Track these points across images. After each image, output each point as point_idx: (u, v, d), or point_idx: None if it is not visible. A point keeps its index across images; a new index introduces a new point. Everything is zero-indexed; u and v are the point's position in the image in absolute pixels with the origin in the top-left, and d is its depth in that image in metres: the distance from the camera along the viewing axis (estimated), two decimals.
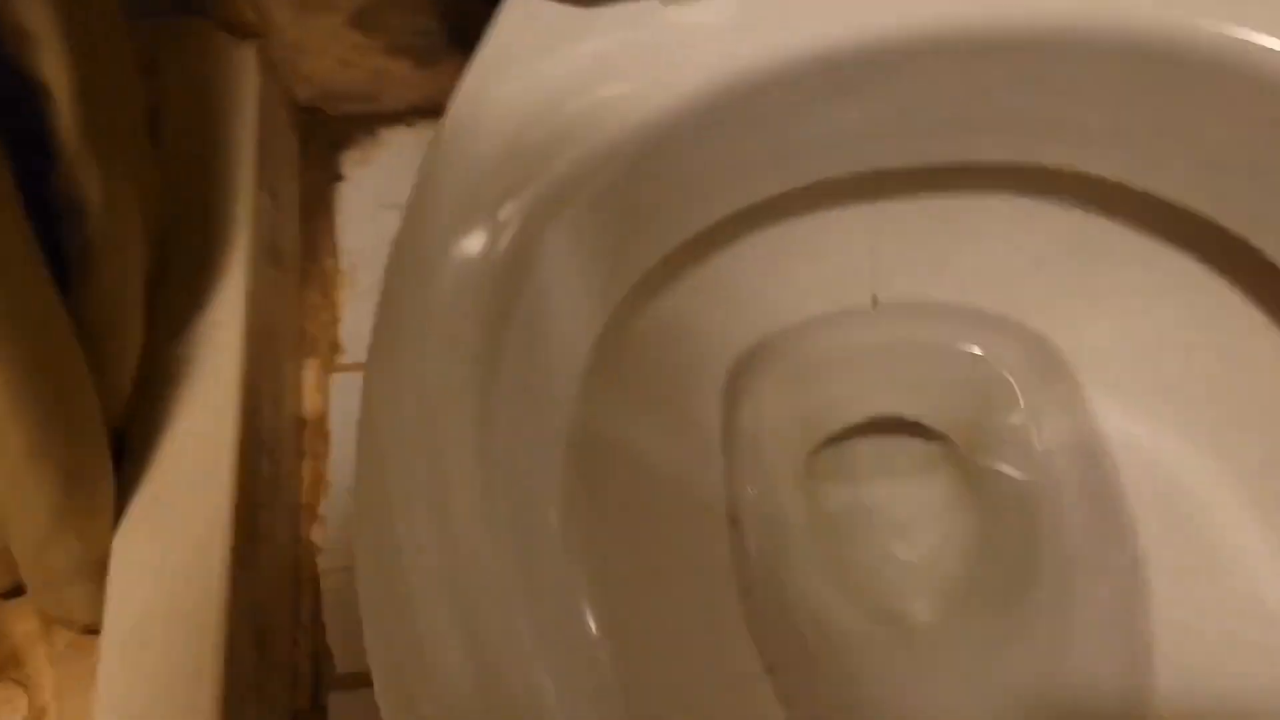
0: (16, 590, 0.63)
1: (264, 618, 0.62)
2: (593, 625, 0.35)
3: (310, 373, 0.75)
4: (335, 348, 0.75)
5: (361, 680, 0.65)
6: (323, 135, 0.81)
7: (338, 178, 0.77)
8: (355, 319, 0.75)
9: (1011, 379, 0.47)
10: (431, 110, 0.79)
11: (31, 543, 0.54)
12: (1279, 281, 0.38)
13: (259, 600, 0.62)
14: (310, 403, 0.74)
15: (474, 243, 0.34)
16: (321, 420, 0.73)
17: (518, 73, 0.35)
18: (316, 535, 0.70)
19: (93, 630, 0.58)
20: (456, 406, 0.32)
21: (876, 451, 0.50)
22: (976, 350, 0.47)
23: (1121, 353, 0.44)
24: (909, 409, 0.49)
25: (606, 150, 0.34)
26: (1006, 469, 0.47)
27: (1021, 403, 0.47)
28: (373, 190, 0.76)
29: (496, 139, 0.34)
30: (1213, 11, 0.33)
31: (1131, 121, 0.38)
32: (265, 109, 0.72)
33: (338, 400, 0.73)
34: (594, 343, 0.38)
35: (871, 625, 0.45)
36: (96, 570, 0.57)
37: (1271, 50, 0.33)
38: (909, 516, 0.50)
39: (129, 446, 0.59)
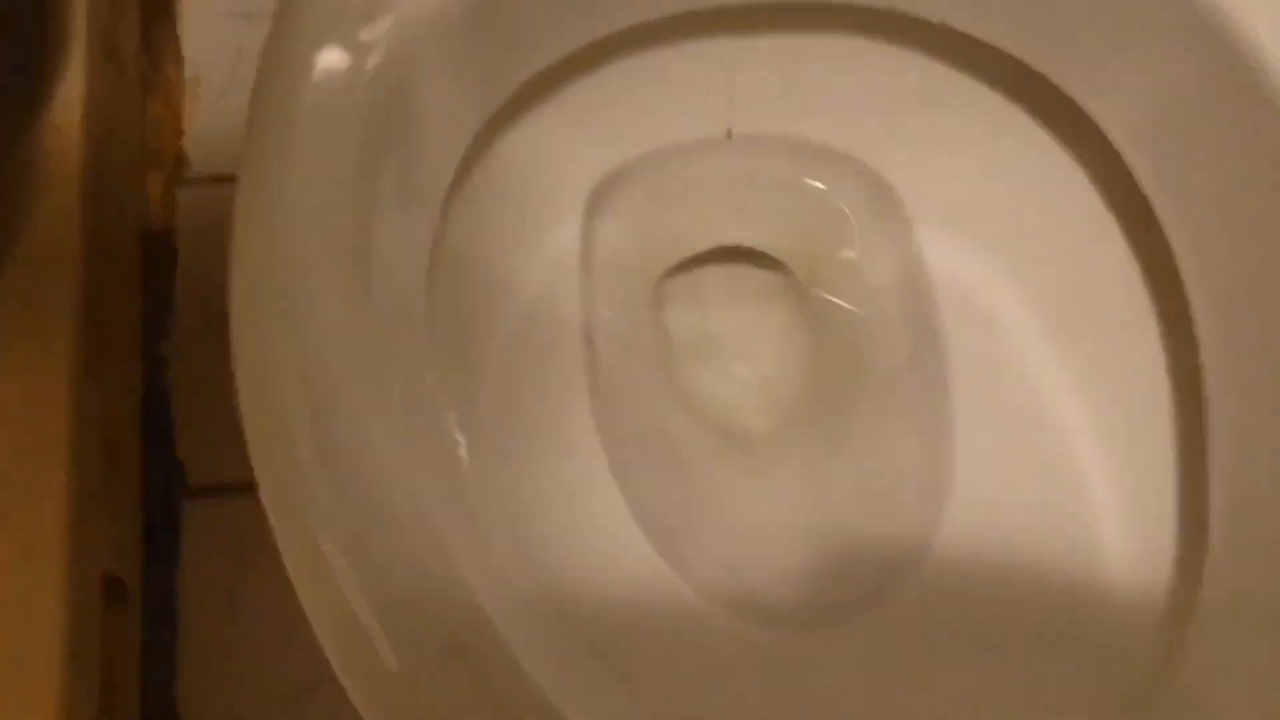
0: None
1: (113, 431, 0.62)
2: (455, 430, 0.37)
3: (155, 186, 0.73)
4: (181, 161, 0.72)
5: (214, 491, 0.66)
6: None
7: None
8: (202, 131, 0.73)
9: (850, 214, 0.50)
10: None
11: None
12: (1087, 130, 0.41)
13: (108, 414, 0.61)
14: (155, 216, 0.72)
15: (343, 58, 0.34)
16: (168, 233, 0.71)
17: None
18: (165, 350, 0.69)
19: None
20: (329, 233, 0.33)
21: (723, 279, 0.53)
22: (820, 185, 0.50)
23: (950, 193, 0.48)
24: (754, 239, 0.52)
25: None
26: (840, 299, 0.51)
27: (857, 237, 0.50)
28: None
29: None
30: None
31: None
32: None
33: (184, 213, 0.71)
34: (458, 164, 0.39)
35: (710, 434, 0.49)
36: None
37: None
38: (750, 340, 0.53)
39: None
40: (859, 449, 0.48)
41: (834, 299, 0.51)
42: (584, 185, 0.48)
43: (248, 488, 0.64)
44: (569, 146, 0.47)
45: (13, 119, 0.55)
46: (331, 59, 0.35)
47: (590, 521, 0.43)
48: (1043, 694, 0.40)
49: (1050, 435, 0.44)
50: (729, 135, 0.49)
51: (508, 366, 0.44)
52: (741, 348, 0.53)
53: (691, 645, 0.42)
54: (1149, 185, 0.40)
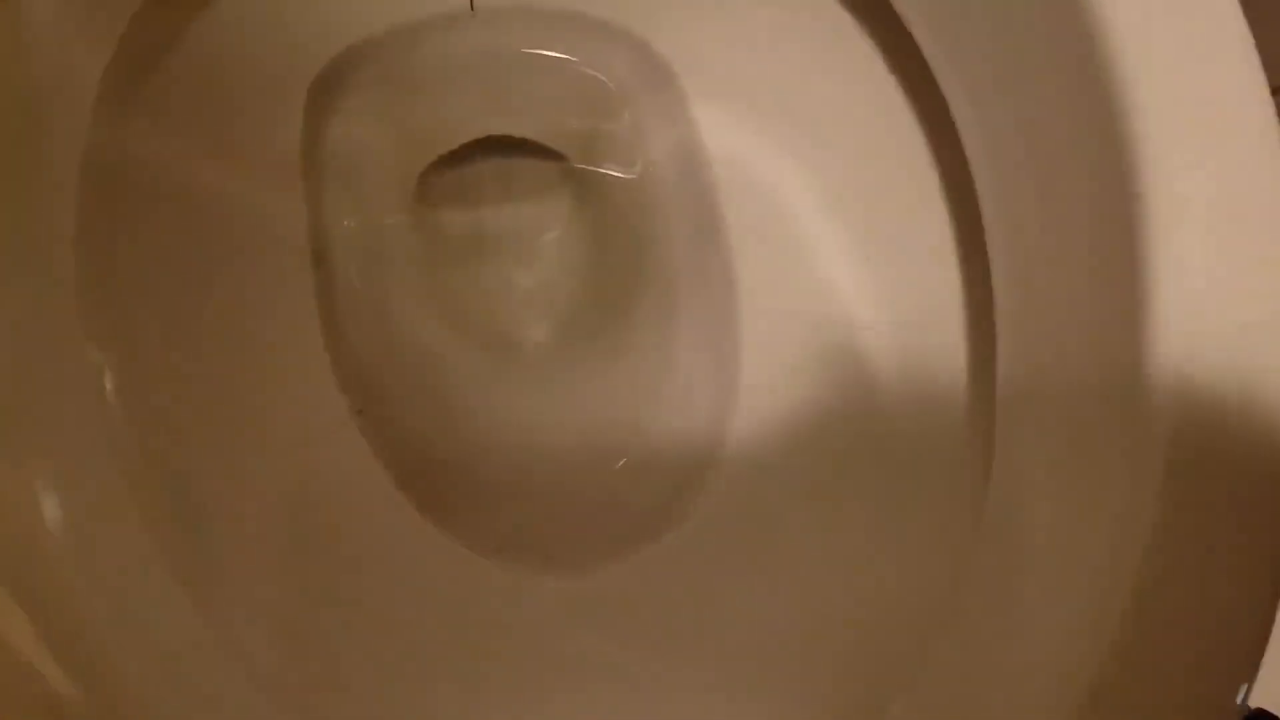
0: None
1: None
2: (110, 386, 0.31)
3: None
4: None
5: None
6: None
7: None
8: None
9: (617, 90, 0.44)
10: None
11: None
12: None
13: None
14: None
15: None
16: None
17: None
18: None
19: None
20: None
21: (494, 173, 0.47)
22: (579, 60, 0.44)
23: (722, 61, 0.42)
24: (518, 127, 0.46)
25: None
26: (616, 181, 0.45)
27: (627, 114, 0.45)
28: None
29: None
30: None
31: None
32: None
33: None
34: (110, 61, 0.32)
35: (481, 353, 0.44)
36: None
37: None
38: (527, 241, 0.48)
39: None
40: (643, 355, 0.43)
41: (611, 180, 0.45)
42: (304, 75, 0.41)
43: None
44: (280, 30, 0.40)
45: None
46: None
47: (330, 471, 0.38)
48: (879, 532, 0.37)
49: (833, 314, 0.40)
50: (472, 7, 0.43)
51: (207, 299, 0.37)
52: (518, 249, 0.48)
53: (453, 598, 0.37)
54: (924, 41, 0.35)
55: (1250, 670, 0.26)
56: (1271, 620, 0.26)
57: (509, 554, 0.38)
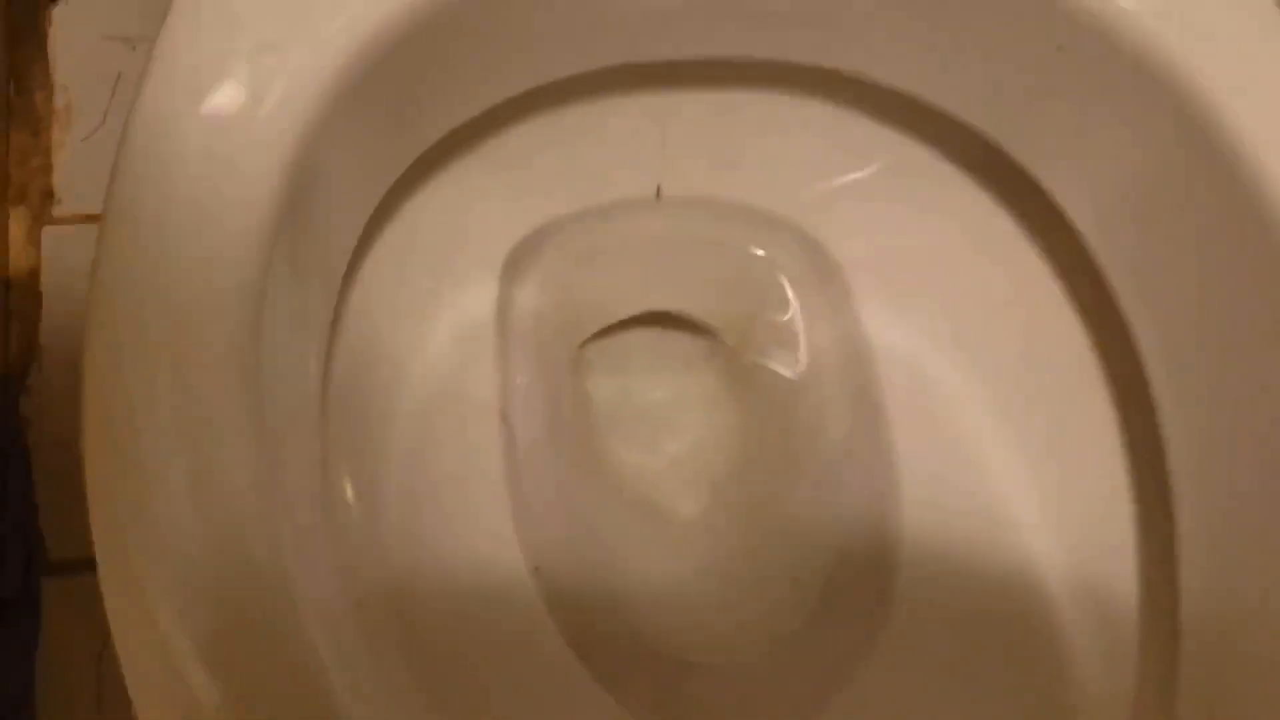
0: None
1: None
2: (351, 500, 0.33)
3: (18, 224, 0.67)
4: (49, 197, 0.66)
5: (77, 566, 0.60)
6: None
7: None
8: (72, 165, 0.67)
9: (785, 280, 0.47)
10: None
11: None
12: (1040, 203, 0.39)
13: None
14: (18, 258, 0.66)
15: (234, 102, 0.30)
16: (32, 278, 0.65)
17: None
18: (26, 408, 0.63)
19: None
20: (210, 310, 0.28)
21: (649, 345, 0.50)
22: (754, 249, 0.47)
23: (889, 262, 0.45)
24: (683, 305, 0.48)
25: (383, 15, 0.31)
26: (775, 367, 0.47)
27: (793, 304, 0.47)
28: (94, 17, 0.67)
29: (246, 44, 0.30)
30: None
31: (923, 35, 0.37)
32: None
33: (52, 256, 0.65)
34: (360, 235, 0.35)
35: (635, 519, 0.45)
36: None
37: None
38: (676, 411, 0.50)
39: None
40: (797, 535, 0.44)
41: (769, 365, 0.47)
42: (500, 248, 0.44)
43: None
44: (486, 207, 0.43)
45: None
46: (220, 103, 0.30)
47: (508, 623, 0.39)
48: None
49: (1000, 524, 0.42)
50: (658, 195, 0.46)
51: (411, 448, 0.39)
52: (668, 419, 0.50)
53: None
54: (1108, 264, 0.38)
55: None
56: None
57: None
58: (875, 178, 0.45)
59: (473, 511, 0.40)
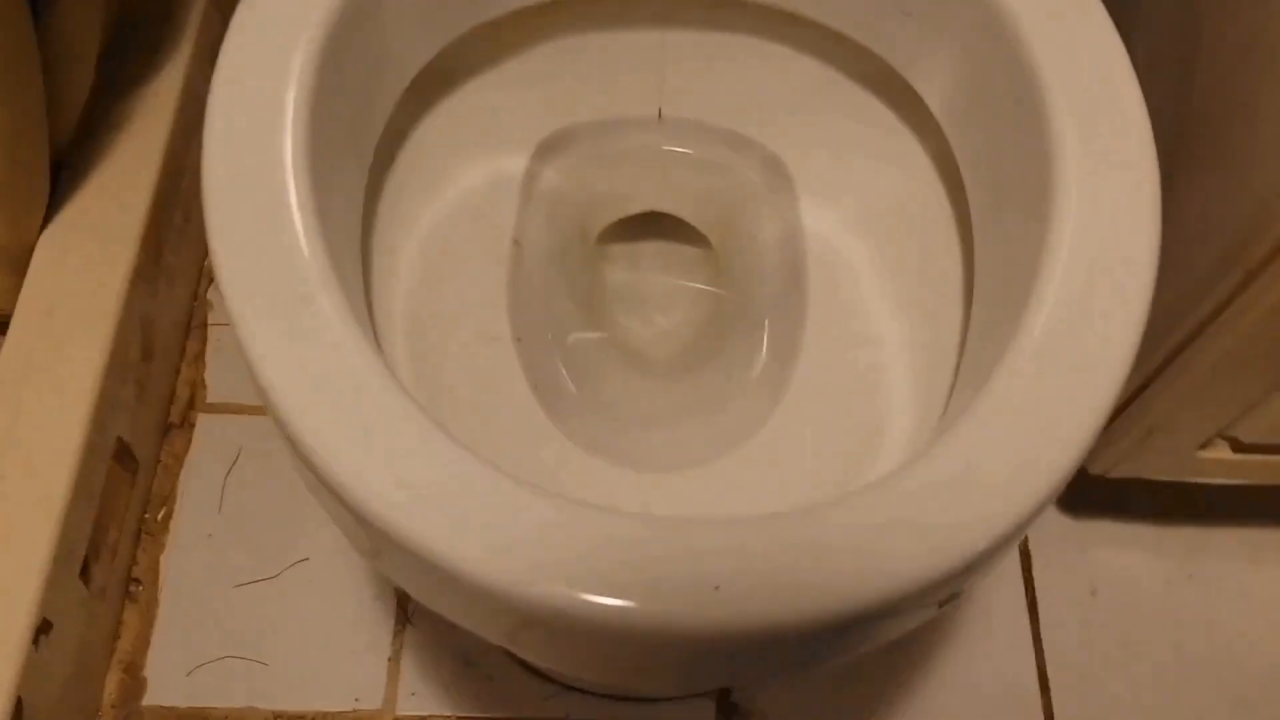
0: None
1: (153, 335, 0.75)
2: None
3: None
4: None
5: (225, 409, 0.78)
6: None
7: None
8: None
9: (751, 190, 0.61)
10: None
11: None
12: (922, 112, 0.53)
13: (151, 318, 0.74)
14: None
15: None
16: None
17: None
18: (214, 297, 0.82)
19: (3, 322, 0.70)
20: (288, 116, 0.43)
21: (652, 239, 0.65)
22: (731, 165, 0.62)
23: (824, 169, 0.59)
24: (677, 208, 0.63)
25: None
26: (739, 257, 0.61)
27: (755, 208, 0.61)
28: None
29: None
30: None
31: None
32: None
33: None
34: (417, 73, 0.52)
35: (614, 346, 0.59)
36: (19, 262, 0.70)
37: None
38: (670, 297, 0.64)
39: (67, 173, 0.72)
40: (727, 362, 0.57)
41: (735, 255, 0.61)
42: (531, 137, 0.60)
43: (255, 411, 0.75)
44: (524, 101, 0.59)
45: None
46: None
47: (487, 359, 0.53)
48: None
49: (868, 347, 0.54)
50: (660, 115, 0.62)
51: (435, 232, 0.55)
52: (663, 304, 0.64)
53: (556, 464, 0.51)
54: (953, 146, 0.51)
55: None
56: None
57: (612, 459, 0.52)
58: (815, 103, 0.59)
59: (478, 288, 0.55)
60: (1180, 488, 0.68)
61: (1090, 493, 0.73)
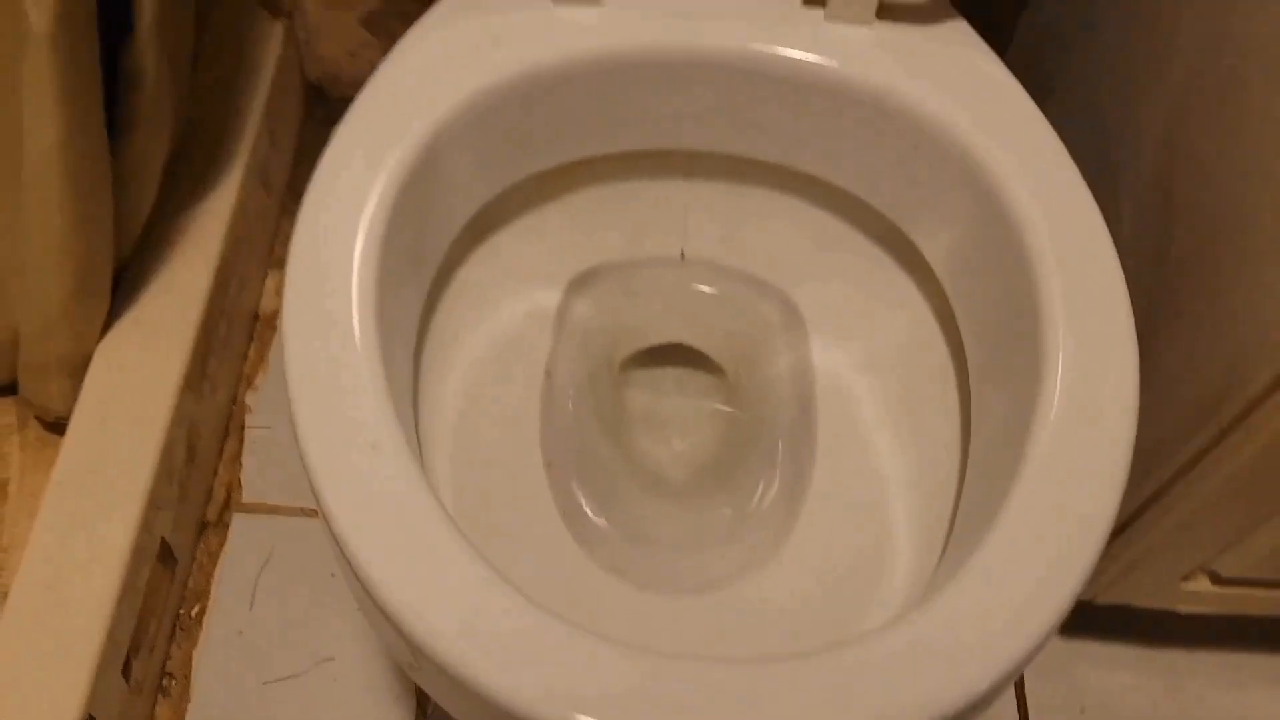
0: (2, 391, 0.80)
1: (197, 438, 0.80)
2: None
3: (272, 282, 0.93)
4: None
5: (259, 509, 0.82)
6: (322, 112, 1.01)
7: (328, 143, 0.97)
8: None
9: (766, 329, 0.66)
10: None
11: (39, 328, 0.71)
12: (922, 264, 0.58)
13: (196, 422, 0.79)
14: (267, 303, 0.92)
15: (393, 134, 0.53)
16: (273, 318, 0.91)
17: (441, 35, 0.55)
18: (250, 400, 0.87)
19: (60, 425, 0.75)
20: (356, 262, 0.49)
21: (672, 367, 0.69)
22: (747, 305, 0.67)
23: (833, 311, 0.64)
24: (698, 342, 0.68)
25: (497, 87, 0.54)
26: (754, 389, 0.66)
27: (770, 346, 0.66)
28: None
29: (415, 74, 0.53)
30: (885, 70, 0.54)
31: (843, 144, 0.58)
32: (280, 73, 0.92)
33: None
34: (469, 220, 0.57)
35: (634, 470, 0.64)
36: (79, 368, 0.75)
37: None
38: (688, 422, 0.69)
39: (127, 281, 0.77)
40: (741, 491, 0.62)
41: (750, 387, 0.66)
42: (566, 272, 0.65)
43: (288, 512, 0.79)
44: (561, 241, 0.65)
45: None
46: (384, 135, 0.52)
47: (518, 485, 0.58)
48: None
49: (873, 483, 0.58)
50: (683, 257, 0.67)
51: (476, 364, 0.60)
52: (682, 427, 0.69)
53: (580, 586, 0.55)
54: (951, 298, 0.56)
55: None
56: None
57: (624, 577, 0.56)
58: (827, 252, 0.64)
59: (514, 416, 0.60)
60: (1165, 613, 0.72)
61: (1080, 615, 0.77)
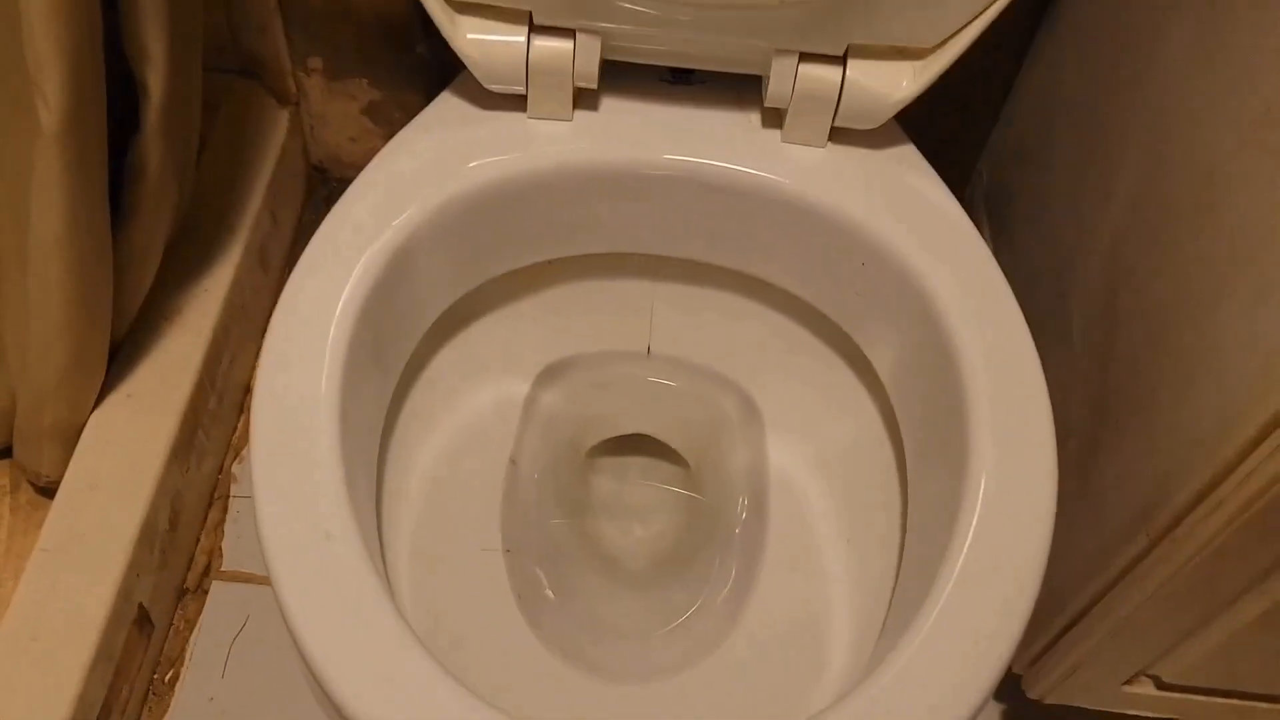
0: None
1: (181, 506, 0.82)
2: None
3: None
4: None
5: (238, 577, 0.85)
6: (324, 192, 1.05)
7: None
8: None
9: (725, 423, 0.69)
10: None
11: (35, 398, 0.74)
12: (870, 370, 0.61)
13: (181, 491, 0.82)
14: None
15: (368, 235, 0.56)
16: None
17: (423, 143, 0.58)
18: (237, 470, 0.90)
19: (51, 489, 0.78)
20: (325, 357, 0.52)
21: (637, 456, 0.72)
22: (708, 399, 0.70)
23: (788, 407, 0.67)
24: (661, 433, 0.71)
25: (471, 194, 0.58)
26: (712, 481, 0.69)
27: (728, 440, 0.69)
28: None
29: (395, 179, 0.57)
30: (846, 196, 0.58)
31: (797, 256, 0.61)
32: (284, 157, 0.96)
33: None
34: (441, 314, 0.61)
35: (591, 552, 0.66)
36: (71, 437, 0.78)
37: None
38: (650, 510, 0.71)
39: (123, 354, 0.80)
40: (693, 581, 0.64)
41: (709, 481, 0.69)
42: (540, 362, 0.69)
43: (265, 580, 0.81)
44: (530, 335, 0.68)
45: None
46: (362, 234, 0.56)
47: (477, 573, 0.60)
48: None
49: (817, 578, 0.61)
50: (648, 352, 0.70)
51: (442, 455, 0.63)
52: (642, 514, 0.71)
53: (530, 671, 0.58)
54: (894, 403, 0.59)
55: None
56: None
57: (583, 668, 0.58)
58: (784, 353, 0.67)
59: (477, 503, 0.63)
60: (1113, 716, 0.73)
61: (1030, 715, 0.78)
